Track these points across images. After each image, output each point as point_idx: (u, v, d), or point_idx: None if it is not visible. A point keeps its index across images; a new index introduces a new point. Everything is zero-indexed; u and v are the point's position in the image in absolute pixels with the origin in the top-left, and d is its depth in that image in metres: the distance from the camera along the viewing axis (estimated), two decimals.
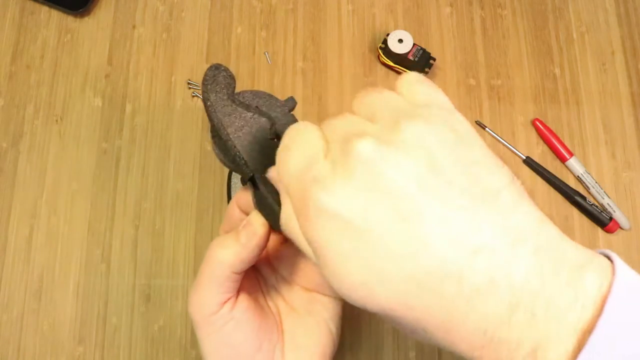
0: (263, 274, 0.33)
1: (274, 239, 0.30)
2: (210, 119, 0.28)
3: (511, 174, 0.21)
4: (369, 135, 0.21)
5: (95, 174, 0.49)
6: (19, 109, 0.50)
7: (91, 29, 0.53)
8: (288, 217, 0.24)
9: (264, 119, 0.29)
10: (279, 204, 0.27)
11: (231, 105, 0.28)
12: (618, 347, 0.17)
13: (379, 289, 0.20)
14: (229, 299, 0.28)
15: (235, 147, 0.28)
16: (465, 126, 0.23)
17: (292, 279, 0.33)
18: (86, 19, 0.54)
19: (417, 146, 0.20)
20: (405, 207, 0.19)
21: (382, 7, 0.56)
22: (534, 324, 0.18)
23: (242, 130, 0.28)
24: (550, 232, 0.20)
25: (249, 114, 0.29)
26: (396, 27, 0.55)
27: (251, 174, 0.28)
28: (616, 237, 0.50)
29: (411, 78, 0.25)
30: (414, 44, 0.51)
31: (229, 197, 0.48)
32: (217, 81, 0.28)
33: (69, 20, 0.53)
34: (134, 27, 0.54)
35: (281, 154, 0.24)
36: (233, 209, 0.31)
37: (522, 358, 0.19)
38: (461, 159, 0.21)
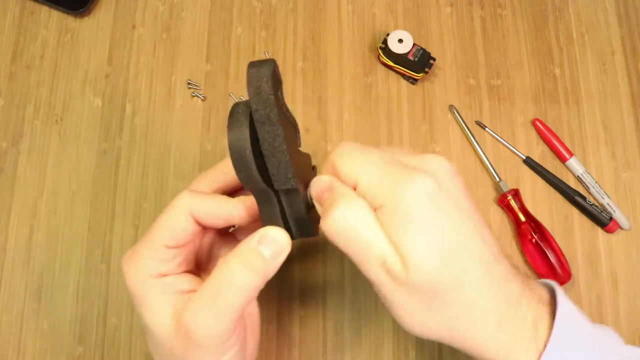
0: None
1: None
2: (270, 129, 0.24)
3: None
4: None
5: (95, 174, 0.49)
6: (19, 109, 0.50)
7: (91, 29, 0.53)
8: (358, 221, 0.26)
9: (292, 127, 0.27)
10: (297, 213, 0.27)
11: (281, 113, 0.25)
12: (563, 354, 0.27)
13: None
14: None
15: (288, 159, 0.25)
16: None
17: (207, 269, 0.32)
18: (86, 19, 0.54)
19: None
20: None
21: (382, 7, 0.56)
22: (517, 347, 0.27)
23: (287, 139, 0.25)
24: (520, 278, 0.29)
25: (288, 121, 0.27)
26: (396, 27, 0.55)
27: (294, 186, 0.26)
28: (616, 237, 0.50)
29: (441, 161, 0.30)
30: (414, 44, 0.51)
31: None
32: (275, 83, 0.24)
33: (69, 20, 0.53)
34: (134, 27, 0.54)
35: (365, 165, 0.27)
36: (185, 222, 0.29)
37: None
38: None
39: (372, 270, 0.27)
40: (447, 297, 0.26)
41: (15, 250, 0.47)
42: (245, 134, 0.24)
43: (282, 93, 0.26)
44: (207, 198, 0.29)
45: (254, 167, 0.24)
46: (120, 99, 0.51)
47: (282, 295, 0.47)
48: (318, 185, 0.28)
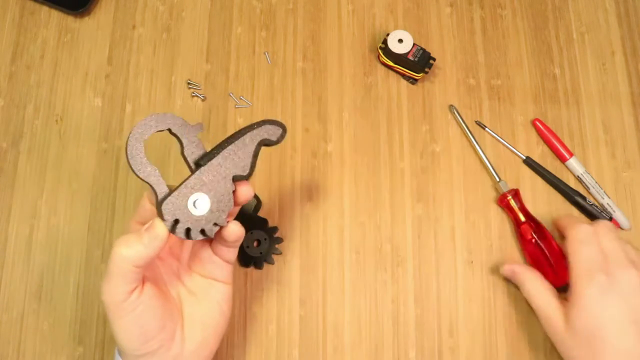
0: (168, 263, 0.38)
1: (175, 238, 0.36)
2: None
3: None
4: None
5: (95, 174, 0.49)
6: (19, 109, 0.50)
7: (91, 29, 0.53)
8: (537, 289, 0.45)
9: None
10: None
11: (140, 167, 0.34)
12: None
13: None
14: (135, 288, 0.33)
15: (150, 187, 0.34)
16: None
17: (193, 267, 0.39)
18: (86, 19, 0.54)
19: None
20: None
21: (382, 7, 0.56)
22: None
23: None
24: None
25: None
26: (396, 27, 0.55)
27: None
28: None
29: (613, 231, 0.45)
30: (414, 44, 0.51)
31: None
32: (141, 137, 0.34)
33: (69, 20, 0.53)
34: (134, 27, 0.54)
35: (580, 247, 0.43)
36: (144, 201, 0.36)
37: None
38: None
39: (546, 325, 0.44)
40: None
41: (15, 250, 0.47)
42: (130, 135, 0.33)
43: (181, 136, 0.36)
44: None
45: (128, 157, 0.33)
46: (120, 99, 0.51)
47: (282, 295, 0.47)
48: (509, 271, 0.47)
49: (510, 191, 0.49)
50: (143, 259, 0.32)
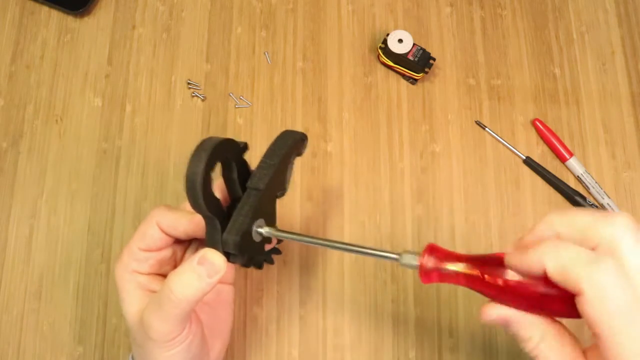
0: None
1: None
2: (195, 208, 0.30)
3: None
4: None
5: (95, 174, 0.49)
6: (19, 109, 0.50)
7: (91, 29, 0.53)
8: None
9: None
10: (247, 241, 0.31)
11: (208, 198, 0.30)
12: None
13: None
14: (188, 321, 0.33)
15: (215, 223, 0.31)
16: None
17: None
18: (86, 19, 0.54)
19: None
20: None
21: (382, 7, 0.56)
22: None
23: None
24: None
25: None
26: (396, 27, 0.55)
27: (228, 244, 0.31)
28: None
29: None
30: (414, 44, 0.51)
31: None
32: (211, 162, 0.29)
33: (69, 20, 0.53)
34: (134, 27, 0.54)
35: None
36: (152, 229, 0.34)
37: None
38: None
39: None
40: None
41: (15, 250, 0.47)
42: (200, 168, 0.28)
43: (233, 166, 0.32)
44: (170, 211, 0.34)
45: (200, 197, 0.28)
46: (120, 99, 0.51)
47: (282, 295, 0.47)
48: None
49: (425, 252, 0.30)
50: (203, 295, 0.31)
